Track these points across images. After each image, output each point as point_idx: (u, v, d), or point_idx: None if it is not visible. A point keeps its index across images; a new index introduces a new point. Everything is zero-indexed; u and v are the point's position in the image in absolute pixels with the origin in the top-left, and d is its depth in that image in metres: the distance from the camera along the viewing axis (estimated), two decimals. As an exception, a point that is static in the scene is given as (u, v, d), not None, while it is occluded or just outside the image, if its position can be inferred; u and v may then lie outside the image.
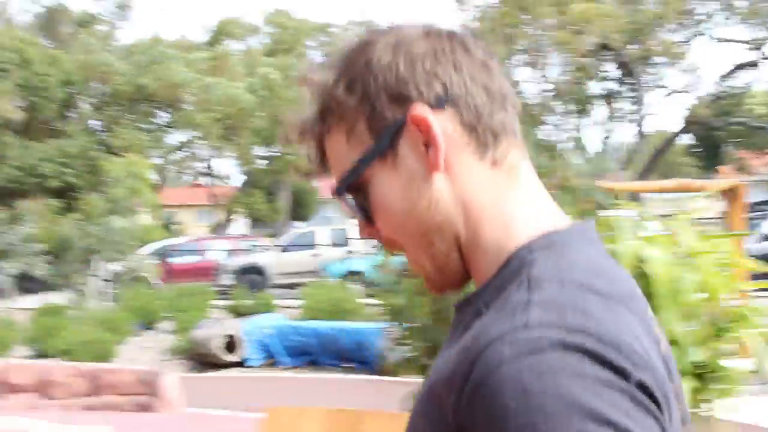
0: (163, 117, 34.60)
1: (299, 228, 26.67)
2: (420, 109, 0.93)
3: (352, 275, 19.72)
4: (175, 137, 37.64)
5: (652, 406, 0.77)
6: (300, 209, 42.42)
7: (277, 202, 39.97)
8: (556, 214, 0.97)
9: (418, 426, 0.89)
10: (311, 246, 23.24)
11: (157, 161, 33.64)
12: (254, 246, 23.54)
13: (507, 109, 0.97)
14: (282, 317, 16.56)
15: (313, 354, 14.89)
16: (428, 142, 0.93)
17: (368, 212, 0.98)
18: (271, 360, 15.26)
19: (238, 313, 17.93)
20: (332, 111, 0.97)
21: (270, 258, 23.33)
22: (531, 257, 0.89)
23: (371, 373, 13.24)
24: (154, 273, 22.29)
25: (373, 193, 0.96)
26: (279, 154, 35.63)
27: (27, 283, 24.57)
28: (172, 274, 23.81)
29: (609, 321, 0.80)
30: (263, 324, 15.63)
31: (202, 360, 15.59)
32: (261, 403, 10.44)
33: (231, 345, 15.32)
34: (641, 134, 36.35)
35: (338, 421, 4.51)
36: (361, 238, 1.04)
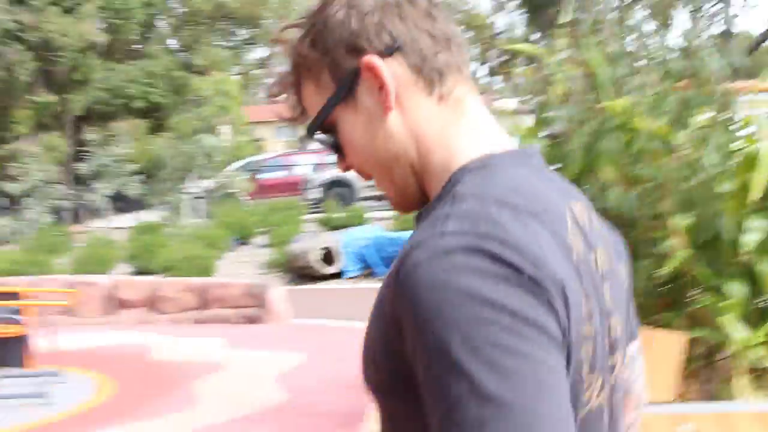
0: (242, 34, 34.69)
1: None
2: (370, 58, 1.07)
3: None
4: (254, 54, 37.79)
5: (546, 298, 0.89)
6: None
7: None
8: (500, 141, 1.10)
9: (373, 325, 1.01)
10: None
11: (237, 78, 33.78)
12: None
13: (452, 50, 1.10)
14: (378, 228, 16.73)
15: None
16: (380, 85, 1.07)
17: (339, 148, 1.13)
18: (368, 271, 15.51)
19: (330, 226, 18.17)
20: (301, 65, 1.13)
21: (356, 171, 23.40)
22: (462, 177, 1.03)
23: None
24: (245, 189, 22.64)
25: (340, 132, 1.11)
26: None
27: (121, 203, 25.23)
28: (260, 189, 24.16)
29: (515, 230, 0.92)
30: (359, 236, 15.82)
31: (300, 273, 15.90)
32: (362, 313, 10.67)
33: (328, 257, 15.58)
34: (729, 35, 35.19)
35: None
36: (339, 170, 1.18)
